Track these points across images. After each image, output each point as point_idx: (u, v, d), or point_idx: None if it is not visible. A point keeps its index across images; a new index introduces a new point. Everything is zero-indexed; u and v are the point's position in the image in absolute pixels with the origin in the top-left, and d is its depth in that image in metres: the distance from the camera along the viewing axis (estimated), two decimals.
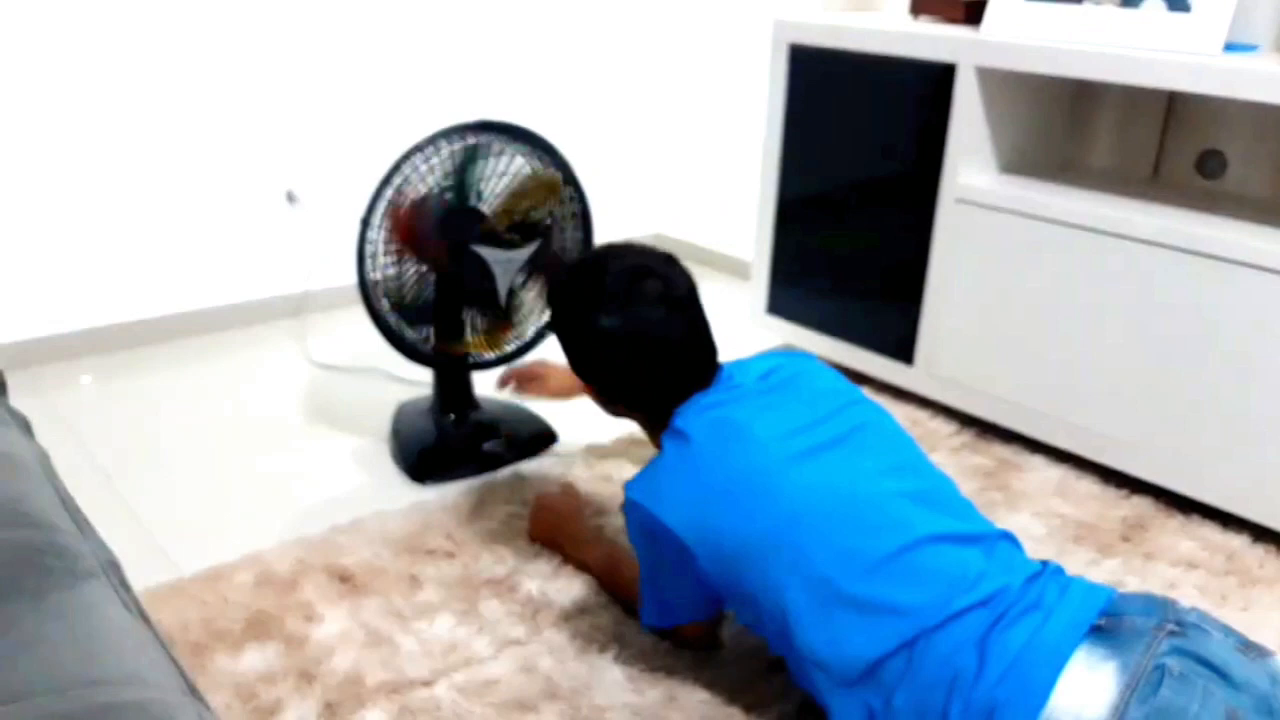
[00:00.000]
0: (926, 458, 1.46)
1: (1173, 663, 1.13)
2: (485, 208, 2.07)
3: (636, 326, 1.48)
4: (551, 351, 2.80)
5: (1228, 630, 1.21)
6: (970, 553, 1.30)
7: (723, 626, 1.65)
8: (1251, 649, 1.19)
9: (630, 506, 1.45)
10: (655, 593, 1.53)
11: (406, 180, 1.99)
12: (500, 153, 2.06)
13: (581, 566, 1.82)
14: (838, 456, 1.38)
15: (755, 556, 1.33)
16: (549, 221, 2.14)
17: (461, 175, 2.03)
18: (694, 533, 1.38)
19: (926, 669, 1.24)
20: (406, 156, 1.98)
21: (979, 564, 1.28)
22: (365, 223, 1.99)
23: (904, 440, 1.46)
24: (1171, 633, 1.17)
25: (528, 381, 2.08)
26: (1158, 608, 1.22)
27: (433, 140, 1.99)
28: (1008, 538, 1.37)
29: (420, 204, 2.01)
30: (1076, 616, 1.22)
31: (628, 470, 2.17)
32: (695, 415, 1.45)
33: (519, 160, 2.08)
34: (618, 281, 1.49)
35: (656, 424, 1.55)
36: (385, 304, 2.06)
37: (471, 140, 2.03)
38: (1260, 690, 1.12)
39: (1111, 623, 1.21)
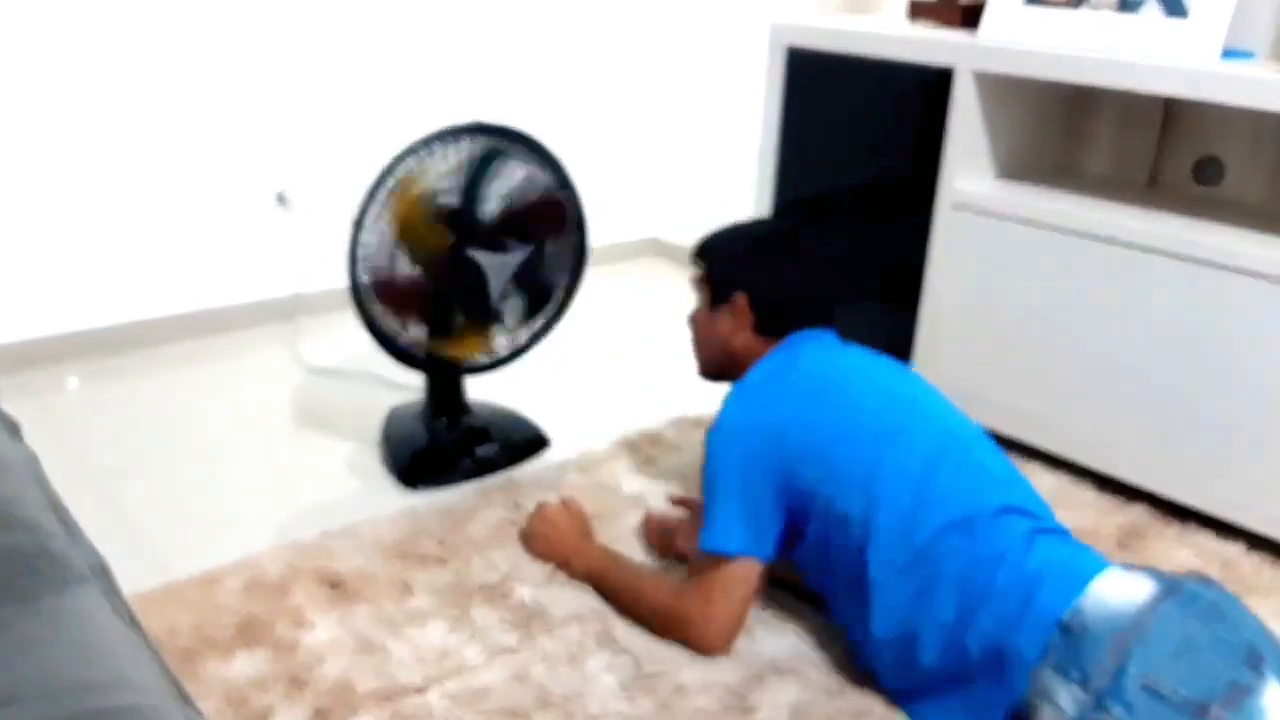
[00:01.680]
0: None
1: (1208, 594, 1.32)
2: (483, 213, 2.06)
3: (819, 267, 1.81)
4: (546, 358, 2.79)
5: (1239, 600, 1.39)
6: (1016, 483, 1.56)
7: (743, 626, 1.68)
8: (1259, 621, 1.34)
9: (726, 407, 1.66)
10: (724, 509, 1.59)
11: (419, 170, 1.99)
12: (513, 162, 2.06)
13: (584, 576, 1.80)
14: (917, 394, 1.65)
15: (847, 444, 1.55)
16: (543, 223, 2.14)
17: (475, 182, 2.03)
18: (791, 421, 1.59)
19: (978, 546, 1.44)
20: (400, 159, 1.97)
21: (1027, 494, 1.54)
22: (357, 225, 1.98)
23: (957, 409, 1.70)
24: (1201, 583, 1.35)
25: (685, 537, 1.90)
26: (1188, 574, 1.39)
27: (427, 143, 1.98)
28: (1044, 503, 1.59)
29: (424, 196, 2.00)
30: (1106, 559, 1.44)
31: (622, 476, 2.16)
32: (810, 337, 1.74)
33: (537, 175, 2.08)
34: (807, 240, 1.82)
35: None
36: (368, 280, 2.04)
37: (488, 146, 2.02)
38: (1272, 640, 1.29)
39: (1145, 567, 1.42)
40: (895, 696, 1.55)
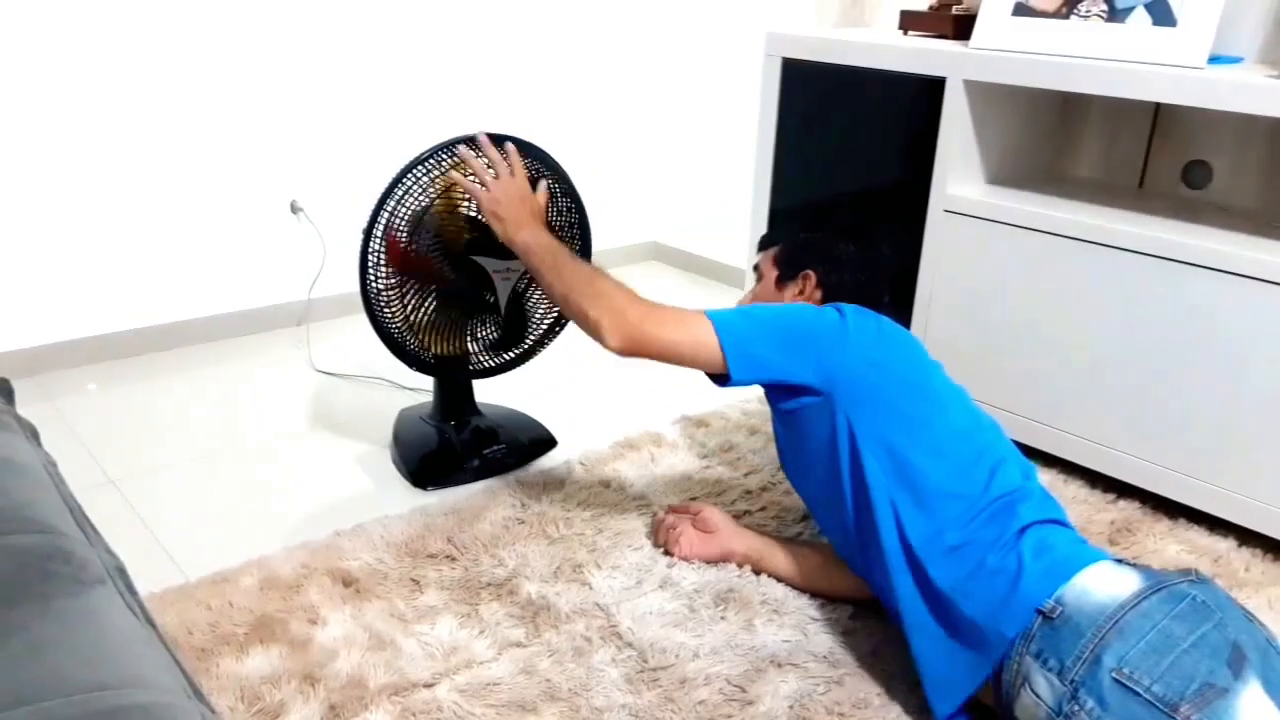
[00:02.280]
0: None
1: (1198, 594, 1.32)
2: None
3: (880, 262, 1.89)
4: (551, 360, 2.83)
5: (1233, 599, 1.39)
6: (1026, 476, 1.61)
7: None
8: (1252, 617, 1.36)
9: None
10: (748, 323, 1.64)
11: (401, 201, 2.03)
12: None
13: (527, 244, 1.81)
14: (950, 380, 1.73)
15: (901, 390, 1.62)
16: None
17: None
18: (859, 333, 1.66)
19: (976, 527, 1.49)
20: (409, 168, 2.02)
21: (1034, 486, 1.59)
22: (367, 232, 2.02)
23: None
24: (1192, 581, 1.35)
25: (691, 541, 1.92)
26: (1180, 571, 1.40)
27: (434, 152, 2.03)
28: (1055, 500, 1.63)
29: (413, 226, 2.04)
30: (1104, 553, 1.46)
31: (625, 474, 2.21)
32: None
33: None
34: (875, 237, 1.91)
35: None
36: (388, 315, 2.09)
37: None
38: (1260, 640, 1.30)
39: (1138, 565, 1.43)
40: (895, 616, 1.59)
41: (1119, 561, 1.43)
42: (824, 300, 1.84)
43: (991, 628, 1.42)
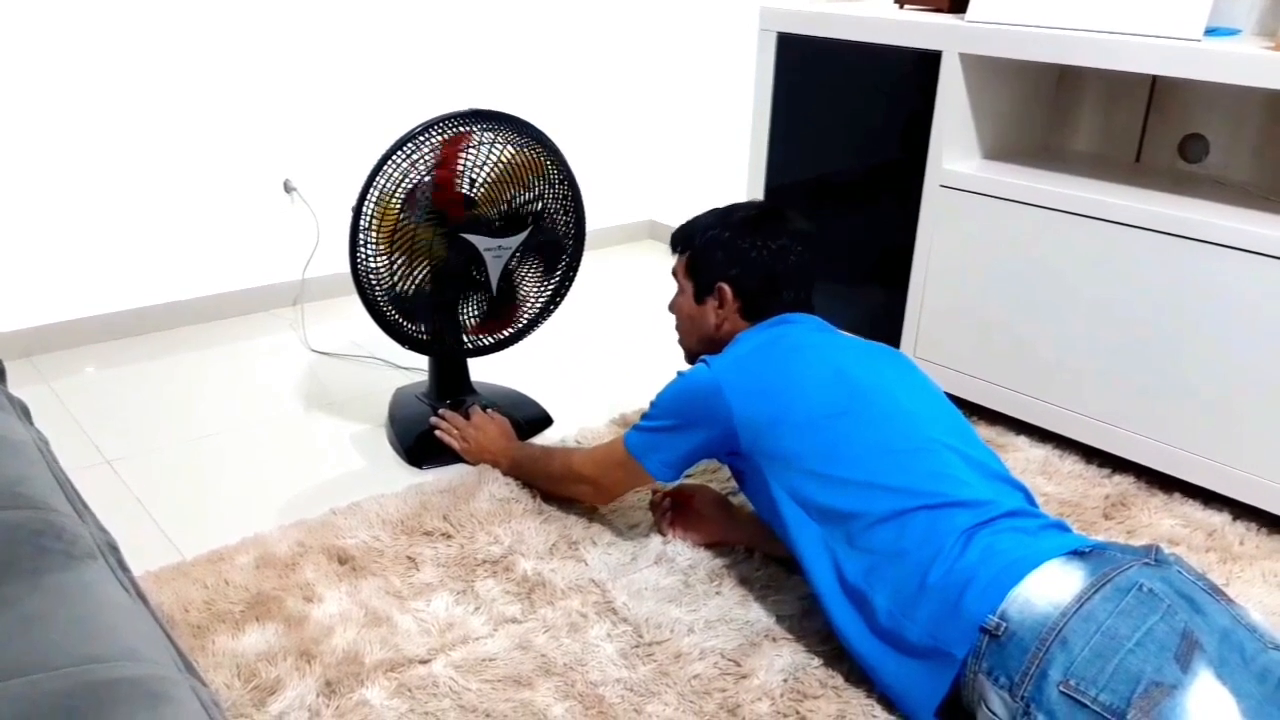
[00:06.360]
0: (954, 408, 1.71)
1: (1146, 581, 1.29)
2: (475, 194, 2.10)
3: (795, 243, 1.83)
4: (546, 338, 2.83)
5: (1200, 575, 1.36)
6: (973, 467, 1.54)
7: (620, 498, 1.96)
8: (1218, 593, 1.33)
9: (698, 368, 1.73)
10: (654, 428, 1.75)
11: (391, 178, 2.02)
12: (491, 141, 2.09)
13: (510, 468, 2.08)
14: (887, 375, 1.67)
15: (797, 428, 1.60)
16: (539, 207, 2.18)
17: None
18: (745, 391, 1.66)
19: (911, 540, 1.46)
20: (399, 145, 2.01)
21: (979, 479, 1.52)
22: (357, 210, 2.02)
23: (937, 391, 1.73)
24: (1146, 564, 1.33)
25: (685, 525, 1.94)
26: (1139, 550, 1.38)
27: (425, 129, 2.02)
28: (1015, 483, 1.58)
29: (409, 196, 2.04)
30: (1059, 541, 1.41)
31: None
32: (790, 320, 1.80)
33: (509, 149, 2.12)
34: (781, 219, 1.86)
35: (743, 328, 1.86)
36: (379, 293, 2.10)
37: (461, 129, 2.06)
38: (1221, 624, 1.27)
39: (1093, 552, 1.38)
40: (848, 644, 1.55)
41: (1071, 554, 1.37)
42: (745, 309, 1.83)
43: (941, 650, 1.39)
